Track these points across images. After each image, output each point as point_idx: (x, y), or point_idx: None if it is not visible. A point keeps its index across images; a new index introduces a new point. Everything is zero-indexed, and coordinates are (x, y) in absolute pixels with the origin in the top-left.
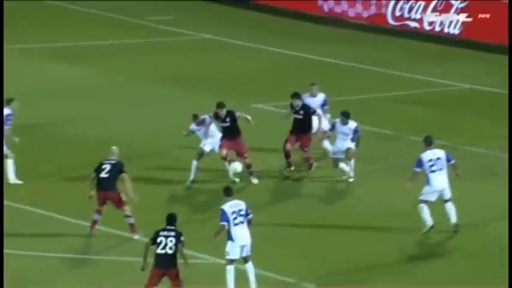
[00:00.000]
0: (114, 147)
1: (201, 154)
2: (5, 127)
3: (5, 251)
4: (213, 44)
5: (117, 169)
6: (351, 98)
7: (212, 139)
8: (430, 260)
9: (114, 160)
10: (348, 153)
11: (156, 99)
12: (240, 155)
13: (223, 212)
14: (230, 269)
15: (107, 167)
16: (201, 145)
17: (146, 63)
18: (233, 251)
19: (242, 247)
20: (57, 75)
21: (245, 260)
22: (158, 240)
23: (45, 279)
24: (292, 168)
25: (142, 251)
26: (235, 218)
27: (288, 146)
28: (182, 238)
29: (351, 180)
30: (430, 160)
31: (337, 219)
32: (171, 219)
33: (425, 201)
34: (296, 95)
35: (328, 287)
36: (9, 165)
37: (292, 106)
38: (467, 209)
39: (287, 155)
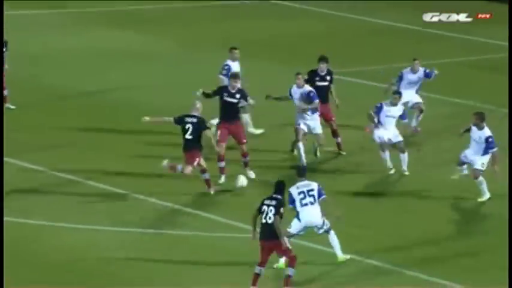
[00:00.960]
0: (197, 102)
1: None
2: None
3: (63, 224)
4: (279, 9)
5: (199, 128)
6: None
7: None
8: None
9: (195, 118)
10: (399, 147)
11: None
12: (238, 142)
13: (290, 194)
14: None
15: (190, 127)
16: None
17: (208, 29)
18: (295, 227)
19: (307, 228)
20: (117, 40)
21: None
22: (262, 209)
23: (103, 253)
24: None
25: (200, 224)
26: (302, 199)
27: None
28: (282, 210)
29: (392, 172)
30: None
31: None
32: (278, 187)
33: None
34: (324, 59)
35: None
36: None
37: (315, 72)
38: None
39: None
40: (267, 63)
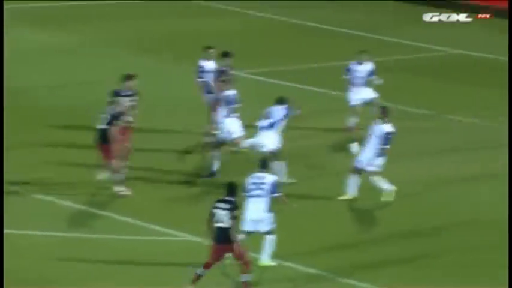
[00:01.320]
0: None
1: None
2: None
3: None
4: (195, 8)
5: (110, 121)
6: (331, 65)
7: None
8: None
9: (113, 111)
10: (273, 155)
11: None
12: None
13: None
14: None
15: (104, 117)
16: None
17: (121, 28)
18: (244, 222)
19: (254, 221)
20: (39, 39)
21: (266, 232)
22: (215, 212)
23: (22, 257)
24: None
25: (131, 229)
26: (252, 190)
27: None
28: (236, 212)
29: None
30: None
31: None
32: (230, 189)
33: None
34: (226, 54)
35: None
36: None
37: (220, 70)
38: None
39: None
40: (172, 62)
